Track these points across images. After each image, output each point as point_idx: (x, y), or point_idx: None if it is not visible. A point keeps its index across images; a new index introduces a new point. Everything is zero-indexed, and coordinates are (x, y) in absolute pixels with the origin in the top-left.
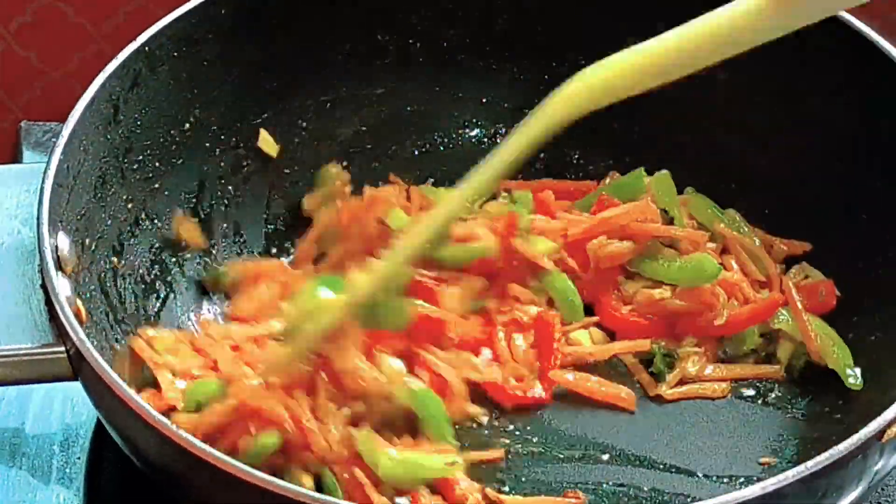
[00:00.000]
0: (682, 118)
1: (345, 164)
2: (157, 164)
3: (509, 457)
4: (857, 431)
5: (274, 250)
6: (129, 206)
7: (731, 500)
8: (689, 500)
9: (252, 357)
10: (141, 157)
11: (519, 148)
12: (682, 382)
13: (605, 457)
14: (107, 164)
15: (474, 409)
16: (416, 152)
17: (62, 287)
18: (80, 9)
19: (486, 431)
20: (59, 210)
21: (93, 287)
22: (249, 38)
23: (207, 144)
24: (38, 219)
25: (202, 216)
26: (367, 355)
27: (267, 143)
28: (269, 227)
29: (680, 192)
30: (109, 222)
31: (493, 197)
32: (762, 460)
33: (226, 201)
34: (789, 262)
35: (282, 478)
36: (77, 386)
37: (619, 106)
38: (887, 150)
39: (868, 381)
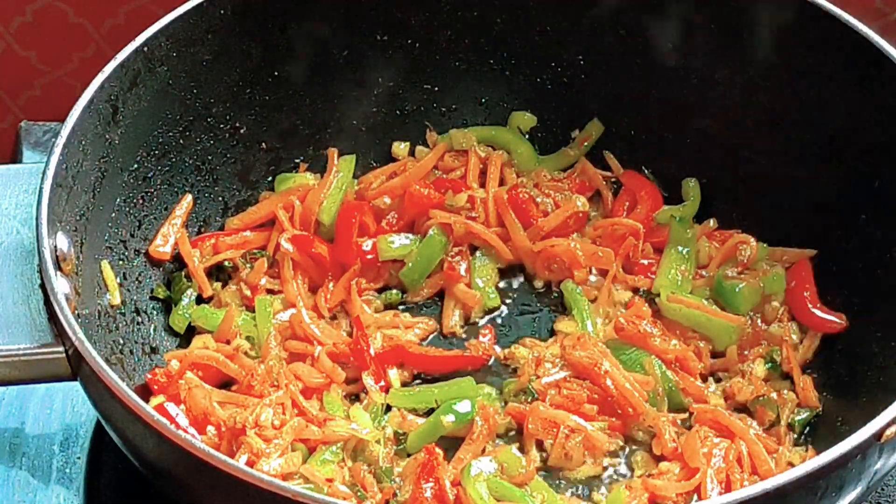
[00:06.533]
0: (683, 118)
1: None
2: (156, 163)
3: None
4: (855, 432)
5: None
6: (129, 206)
7: (731, 500)
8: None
9: None
10: (140, 157)
11: None
12: None
13: None
14: (106, 164)
15: None
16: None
17: (61, 287)
18: (80, 9)
19: None
20: (58, 210)
21: (91, 287)
22: (249, 39)
23: (207, 144)
24: (37, 219)
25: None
26: None
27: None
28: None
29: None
30: (108, 222)
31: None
32: None
33: (225, 201)
34: None
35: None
36: (77, 386)
37: (623, 105)
38: (888, 150)
39: (868, 381)
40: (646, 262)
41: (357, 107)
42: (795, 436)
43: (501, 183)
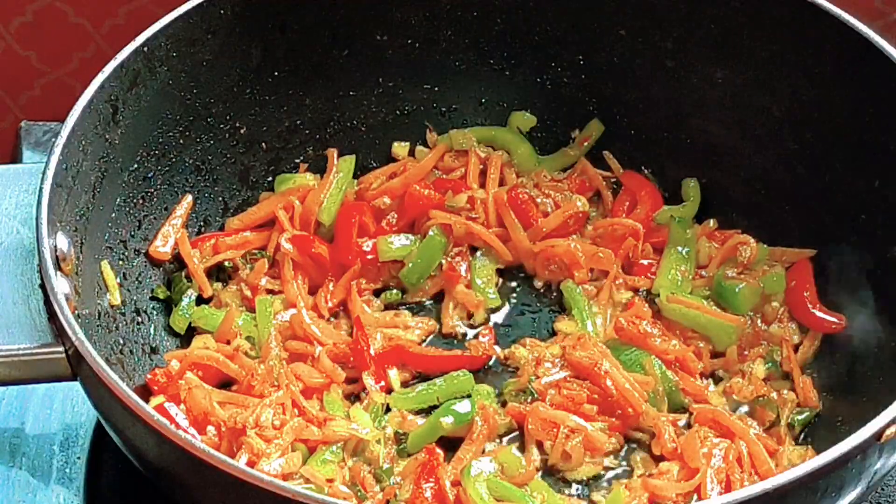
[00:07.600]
0: (683, 118)
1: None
2: (156, 163)
3: None
4: (855, 432)
5: None
6: (128, 206)
7: (731, 500)
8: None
9: None
10: (140, 157)
11: None
12: None
13: None
14: (106, 164)
15: None
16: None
17: (61, 287)
18: (80, 9)
19: None
20: (58, 210)
21: (92, 287)
22: (249, 39)
23: (207, 144)
24: (37, 219)
25: (202, 216)
26: None
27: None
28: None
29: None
30: (108, 222)
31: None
32: None
33: (225, 202)
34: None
35: None
36: (77, 386)
37: (623, 105)
38: (888, 150)
39: (868, 381)
40: (646, 262)
41: (357, 107)
42: (795, 436)
43: (501, 183)
